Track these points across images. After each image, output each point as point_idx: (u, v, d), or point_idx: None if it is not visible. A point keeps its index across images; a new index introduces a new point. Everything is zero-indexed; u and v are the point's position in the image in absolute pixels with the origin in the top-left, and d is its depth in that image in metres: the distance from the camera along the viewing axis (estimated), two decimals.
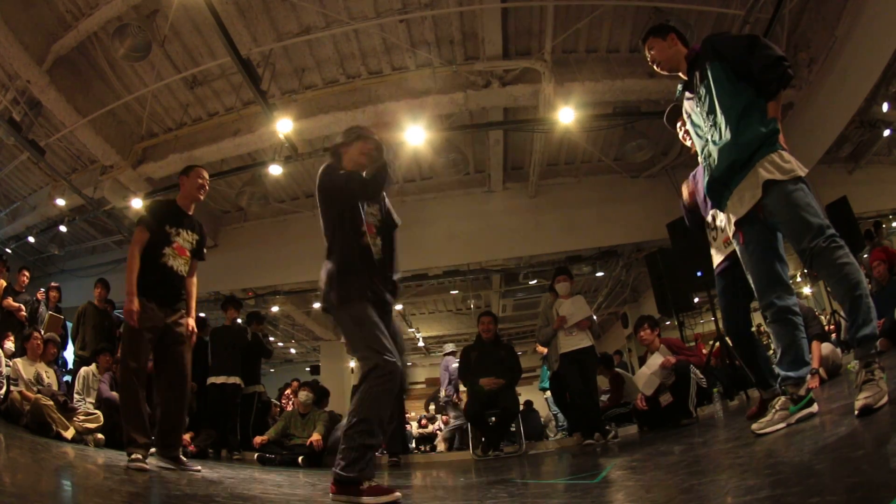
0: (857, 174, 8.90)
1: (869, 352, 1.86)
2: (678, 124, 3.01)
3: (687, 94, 2.40)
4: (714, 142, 2.21)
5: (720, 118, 2.17)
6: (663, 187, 8.23)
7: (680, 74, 2.47)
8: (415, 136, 6.42)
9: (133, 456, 2.75)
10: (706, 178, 2.31)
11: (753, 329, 3.12)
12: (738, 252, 2.29)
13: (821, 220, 1.98)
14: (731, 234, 2.32)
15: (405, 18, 5.89)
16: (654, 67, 2.51)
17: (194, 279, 3.30)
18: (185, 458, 3.06)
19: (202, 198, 3.36)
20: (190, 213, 3.30)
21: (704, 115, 2.26)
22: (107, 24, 5.60)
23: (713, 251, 2.98)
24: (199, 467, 3.09)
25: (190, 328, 3.17)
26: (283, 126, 6.19)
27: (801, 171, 2.07)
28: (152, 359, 3.11)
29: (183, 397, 3.07)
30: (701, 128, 2.30)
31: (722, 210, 2.33)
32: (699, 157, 2.41)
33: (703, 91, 2.26)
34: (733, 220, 2.23)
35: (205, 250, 3.38)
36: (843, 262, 1.90)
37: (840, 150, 8.34)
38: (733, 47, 2.21)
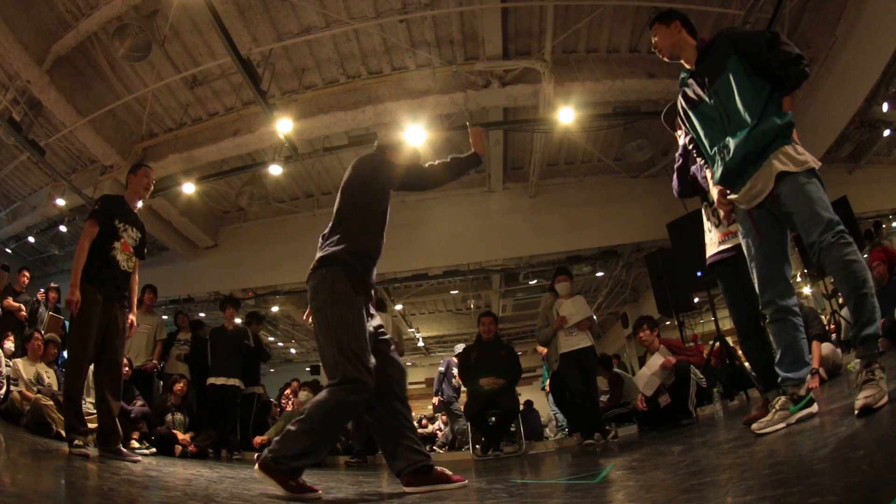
0: (857, 174, 8.91)
1: (871, 351, 1.86)
2: (677, 125, 3.00)
3: (694, 83, 2.37)
4: (732, 134, 2.21)
5: (742, 112, 2.18)
6: (663, 187, 8.18)
7: (683, 63, 2.45)
8: (415, 136, 6.42)
9: (76, 442, 2.92)
10: (720, 170, 2.29)
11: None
12: (745, 246, 2.28)
13: (831, 214, 1.98)
14: (739, 225, 2.30)
15: (405, 18, 5.89)
16: (657, 53, 2.51)
17: (136, 277, 3.45)
18: (125, 450, 3.19)
19: (147, 196, 3.50)
20: (135, 210, 3.46)
21: (721, 108, 2.25)
22: (107, 24, 5.60)
23: (707, 240, 2.96)
24: (139, 458, 3.24)
25: (130, 322, 3.32)
26: (283, 126, 6.20)
27: (815, 164, 2.09)
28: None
29: (118, 390, 3.23)
30: (715, 121, 2.29)
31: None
32: (705, 150, 2.39)
33: (720, 85, 2.25)
34: (744, 210, 2.23)
35: (145, 251, 3.53)
36: (850, 259, 1.91)
37: (840, 150, 8.34)
38: (753, 42, 2.22)
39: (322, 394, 2.05)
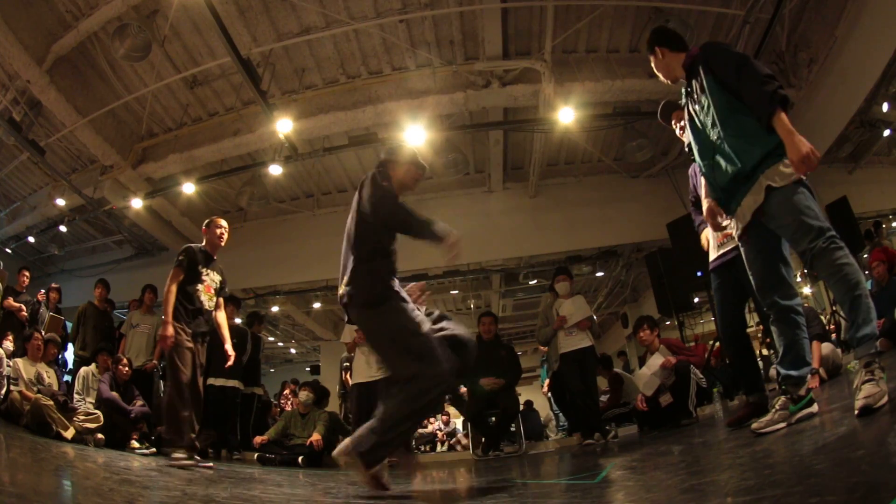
0: (857, 174, 8.90)
1: (869, 351, 1.86)
2: (673, 121, 3.04)
3: (689, 99, 2.39)
4: (721, 152, 2.22)
5: (724, 130, 2.18)
6: (663, 187, 8.23)
7: (682, 80, 2.47)
8: (415, 136, 6.43)
9: (175, 455, 3.23)
10: (714, 185, 2.32)
11: (749, 330, 3.10)
12: (743, 253, 2.30)
13: (820, 222, 1.99)
14: (737, 237, 2.33)
15: (405, 18, 5.89)
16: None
17: (223, 312, 3.84)
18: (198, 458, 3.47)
19: (223, 244, 3.85)
20: (215, 257, 3.82)
21: (710, 124, 2.25)
22: (107, 24, 5.61)
23: (711, 228, 2.99)
24: (211, 464, 3.59)
25: (228, 354, 3.72)
26: (283, 126, 6.19)
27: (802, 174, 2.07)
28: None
29: (200, 414, 3.66)
30: (705, 137, 2.30)
31: (731, 215, 2.33)
32: (698, 160, 2.42)
33: (704, 101, 2.25)
34: (741, 227, 2.25)
35: (225, 289, 3.90)
36: (842, 263, 1.92)
37: (840, 150, 8.33)
38: (723, 67, 2.18)
39: None
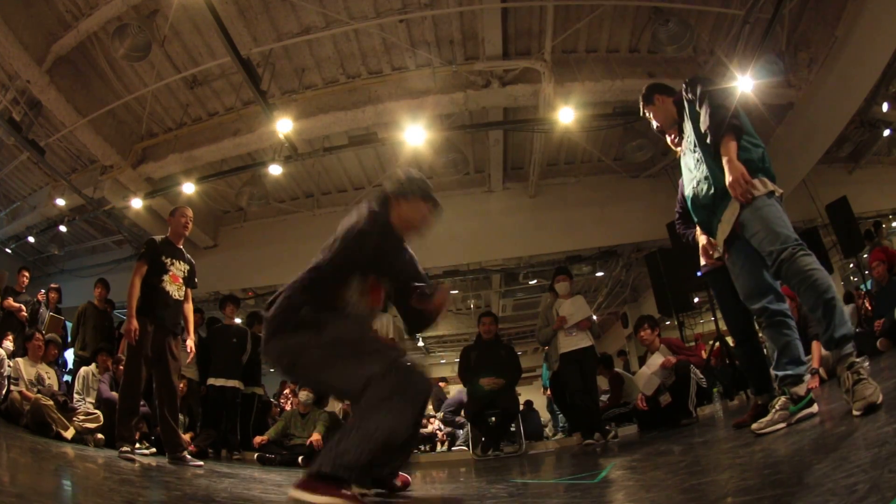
0: (857, 174, 8.91)
1: (847, 351, 1.91)
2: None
3: (681, 129, 2.54)
4: (700, 173, 2.35)
5: (701, 152, 2.32)
6: (663, 187, 8.23)
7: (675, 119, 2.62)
8: (415, 136, 6.42)
9: (124, 448, 3.30)
10: (695, 204, 2.45)
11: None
12: (728, 266, 2.40)
13: (788, 231, 2.07)
14: (721, 252, 2.43)
15: (405, 18, 5.89)
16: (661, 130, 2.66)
17: (190, 304, 3.80)
18: (188, 457, 3.49)
19: (187, 234, 3.86)
20: (179, 246, 3.80)
21: (691, 149, 2.39)
22: (107, 24, 5.60)
23: (700, 250, 3.05)
24: (201, 463, 3.56)
25: (188, 345, 3.70)
26: (283, 126, 6.19)
27: (776, 189, 2.19)
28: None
29: (176, 407, 3.57)
30: (691, 159, 2.43)
31: (714, 236, 2.44)
32: (685, 181, 2.56)
33: (686, 128, 2.41)
34: (723, 240, 2.33)
35: (195, 279, 3.86)
36: (811, 269, 1.97)
37: (840, 150, 8.34)
38: (695, 95, 2.35)
39: None
